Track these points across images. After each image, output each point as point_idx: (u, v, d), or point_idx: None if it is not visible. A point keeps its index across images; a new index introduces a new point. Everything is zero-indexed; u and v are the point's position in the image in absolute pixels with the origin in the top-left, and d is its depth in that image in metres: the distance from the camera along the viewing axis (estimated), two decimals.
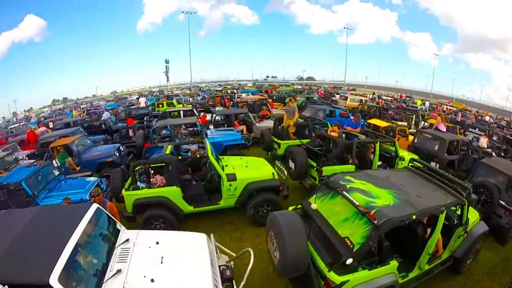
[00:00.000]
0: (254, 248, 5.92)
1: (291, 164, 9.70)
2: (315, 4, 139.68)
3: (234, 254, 5.87)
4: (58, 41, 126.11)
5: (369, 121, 17.17)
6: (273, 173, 8.65)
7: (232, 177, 8.24)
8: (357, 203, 5.21)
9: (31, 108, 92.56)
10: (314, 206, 4.97)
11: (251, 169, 8.86)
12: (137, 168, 8.93)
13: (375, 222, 4.70)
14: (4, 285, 4.22)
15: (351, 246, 4.84)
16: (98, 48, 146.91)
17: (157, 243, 5.49)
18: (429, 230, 5.71)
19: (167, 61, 72.49)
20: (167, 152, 9.15)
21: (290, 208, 6.50)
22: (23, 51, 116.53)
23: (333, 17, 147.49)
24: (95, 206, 5.83)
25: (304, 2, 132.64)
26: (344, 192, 5.64)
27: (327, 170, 8.72)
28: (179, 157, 8.75)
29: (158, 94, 56.23)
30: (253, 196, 8.37)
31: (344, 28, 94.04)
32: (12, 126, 46.19)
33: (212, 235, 5.82)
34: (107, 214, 6.10)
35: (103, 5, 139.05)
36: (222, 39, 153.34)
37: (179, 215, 8.23)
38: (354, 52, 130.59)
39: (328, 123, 14.30)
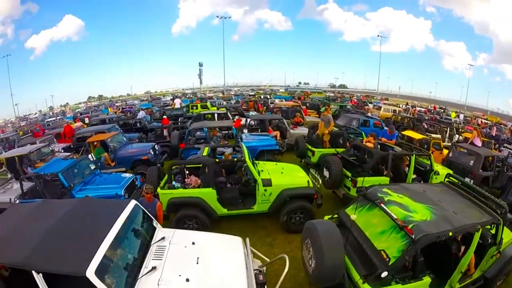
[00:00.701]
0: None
1: (326, 173, 9.63)
2: (348, 11, 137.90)
3: (267, 260, 5.83)
4: (95, 41, 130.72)
5: (403, 132, 16.79)
6: (308, 181, 8.61)
7: (267, 183, 8.25)
8: (395, 217, 5.15)
9: (67, 103, 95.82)
10: (353, 217, 4.99)
11: (286, 175, 8.86)
12: (173, 168, 9.05)
13: (413, 236, 4.65)
14: (38, 273, 4.33)
15: (387, 259, 4.81)
16: (133, 49, 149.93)
17: (193, 243, 5.51)
18: (462, 248, 5.60)
19: (200, 64, 73.41)
20: (205, 154, 9.27)
21: (326, 217, 6.50)
22: (61, 49, 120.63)
23: (366, 24, 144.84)
24: (133, 202, 5.95)
25: (337, 9, 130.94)
26: (382, 205, 5.59)
27: (361, 181, 8.65)
28: (216, 160, 8.83)
29: (191, 96, 56.66)
30: (287, 203, 8.33)
31: (378, 36, 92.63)
32: (49, 120, 47.74)
33: (247, 239, 5.80)
34: (145, 211, 6.17)
35: (140, 8, 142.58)
36: (255, 44, 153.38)
37: (212, 217, 8.30)
38: (387, 61, 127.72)
39: (363, 133, 14.30)
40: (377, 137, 11.98)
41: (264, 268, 5.62)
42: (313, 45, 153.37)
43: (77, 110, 65.54)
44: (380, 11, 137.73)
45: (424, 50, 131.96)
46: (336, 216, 6.44)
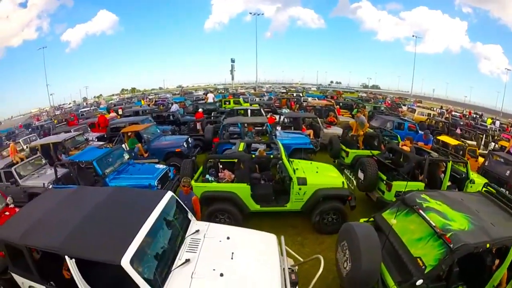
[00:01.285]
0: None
1: (360, 175, 9.51)
2: (382, 10, 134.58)
3: (301, 259, 5.78)
4: (129, 35, 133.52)
5: (438, 137, 16.42)
6: (343, 182, 8.52)
7: (302, 181, 8.19)
8: (434, 224, 5.05)
9: (101, 95, 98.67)
10: (393, 221, 4.92)
11: (321, 175, 8.80)
12: (209, 161, 9.14)
13: (451, 245, 4.55)
14: (71, 258, 4.42)
15: (423, 267, 4.71)
16: (166, 44, 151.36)
17: (228, 238, 5.51)
18: (497, 261, 5.41)
19: (232, 60, 73.39)
20: (240, 149, 9.28)
21: (362, 220, 6.42)
22: (96, 43, 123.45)
23: (400, 24, 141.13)
24: (170, 193, 6.00)
25: (370, 7, 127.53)
26: (421, 211, 5.50)
27: (397, 185, 8.54)
28: (253, 156, 8.82)
29: (223, 91, 56.90)
30: (320, 203, 8.27)
31: (413, 36, 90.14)
32: (83, 110, 48.75)
33: (282, 237, 5.76)
34: (180, 203, 6.20)
35: (173, 4, 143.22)
36: (288, 41, 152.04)
37: (245, 212, 8.35)
38: (421, 62, 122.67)
39: (398, 136, 14.08)
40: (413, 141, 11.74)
41: (296, 267, 5.53)
42: (346, 44, 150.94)
43: (110, 102, 67.17)
44: (414, 10, 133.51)
45: (459, 52, 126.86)
46: (372, 219, 6.37)
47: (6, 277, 6.83)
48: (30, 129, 31.70)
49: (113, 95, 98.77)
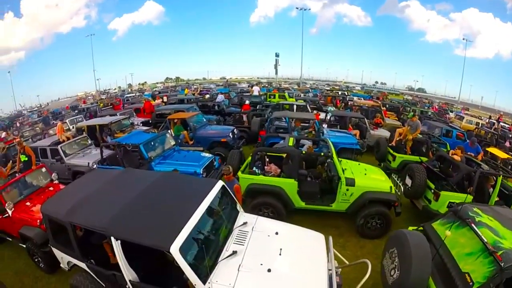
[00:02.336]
0: (355, 260, 5.89)
1: (408, 181, 9.27)
2: (431, 10, 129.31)
3: (346, 262, 5.71)
4: (174, 26, 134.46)
5: (487, 149, 15.80)
6: (390, 187, 8.30)
7: (351, 182, 8.04)
8: (485, 240, 4.88)
9: (145, 82, 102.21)
10: (448, 233, 4.81)
11: (369, 177, 8.61)
12: (257, 154, 9.17)
13: (502, 264, 4.39)
14: (117, 240, 4.48)
15: (470, 283, 4.57)
16: (211, 36, 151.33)
17: (277, 233, 5.44)
18: None
19: (277, 55, 72.82)
20: (290, 144, 9.26)
21: (411, 228, 6.26)
22: (142, 32, 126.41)
23: (449, 25, 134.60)
24: (220, 183, 5.94)
25: (419, 7, 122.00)
26: (473, 225, 5.32)
27: (445, 195, 8.28)
28: (303, 152, 8.69)
29: (266, 85, 56.88)
30: (365, 206, 8.09)
31: (463, 39, 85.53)
32: (128, 95, 51.30)
33: (330, 238, 5.59)
34: (230, 194, 6.17)
35: None
36: (333, 38, 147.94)
37: (289, 208, 8.32)
38: (470, 67, 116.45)
39: (447, 143, 13.76)
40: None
41: (340, 269, 5.37)
42: (392, 43, 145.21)
43: (154, 89, 68.83)
44: (465, 12, 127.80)
45: (511, 59, 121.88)
46: (421, 228, 6.23)
47: (45, 250, 7.17)
48: (76, 111, 33.32)
49: (157, 83, 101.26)
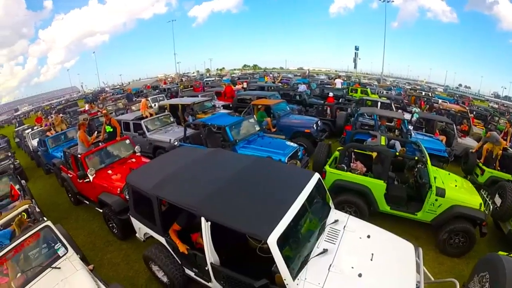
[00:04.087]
0: (437, 277, 5.67)
1: (497, 200, 8.44)
2: None
3: (432, 278, 5.28)
4: (253, 15, 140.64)
5: None
6: (480, 204, 7.51)
7: (441, 193, 7.49)
8: None
9: (223, 67, 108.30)
10: None
11: (460, 190, 8.00)
12: (348, 149, 9.03)
13: None
14: (207, 221, 4.53)
15: None
16: (290, 25, 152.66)
17: (368, 236, 5.21)
18: None
19: (356, 48, 71.64)
20: (383, 143, 8.99)
21: (501, 253, 5.73)
22: (221, 20, 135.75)
23: None
24: (317, 175, 5.71)
25: (509, 4, 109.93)
26: None
27: None
28: (397, 153, 8.24)
29: (345, 78, 56.00)
30: (452, 221, 7.47)
31: None
32: (207, 79, 54.75)
33: (420, 249, 5.26)
34: (324, 188, 5.95)
35: None
36: (416, 34, 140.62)
37: (373, 210, 8.11)
38: None
39: None
40: None
41: (423, 285, 4.71)
42: (479, 43, 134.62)
43: (233, 75, 70.95)
44: None
45: None
46: None
47: (122, 217, 7.65)
48: (157, 91, 35.40)
49: (234, 69, 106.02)
